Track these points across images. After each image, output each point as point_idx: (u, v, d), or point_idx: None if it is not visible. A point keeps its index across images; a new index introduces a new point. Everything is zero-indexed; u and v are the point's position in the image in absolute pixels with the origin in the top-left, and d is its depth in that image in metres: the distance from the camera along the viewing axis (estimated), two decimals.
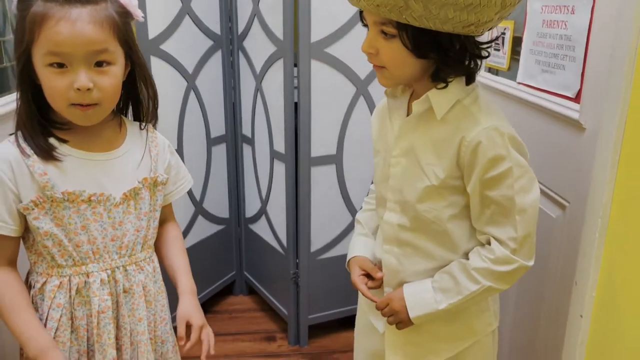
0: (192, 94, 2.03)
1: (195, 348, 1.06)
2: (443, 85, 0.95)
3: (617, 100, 0.92)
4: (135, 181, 1.04)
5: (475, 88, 0.99)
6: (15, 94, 0.98)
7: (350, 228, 2.04)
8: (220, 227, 2.29)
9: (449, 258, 1.03)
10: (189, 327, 1.06)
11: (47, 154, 0.96)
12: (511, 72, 1.50)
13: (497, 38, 1.19)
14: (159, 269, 1.14)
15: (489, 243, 0.99)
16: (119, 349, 1.05)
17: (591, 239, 0.99)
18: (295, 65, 1.86)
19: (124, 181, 1.03)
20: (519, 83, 1.42)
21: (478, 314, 1.07)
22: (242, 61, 2.14)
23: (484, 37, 0.96)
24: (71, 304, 1.00)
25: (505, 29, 1.50)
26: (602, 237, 0.97)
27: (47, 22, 0.88)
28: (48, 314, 1.00)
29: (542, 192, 1.10)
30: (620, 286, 0.95)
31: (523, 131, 1.04)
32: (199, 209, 2.15)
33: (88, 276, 1.00)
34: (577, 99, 1.18)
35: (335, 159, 1.96)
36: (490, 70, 1.63)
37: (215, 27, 2.09)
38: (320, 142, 1.92)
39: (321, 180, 1.96)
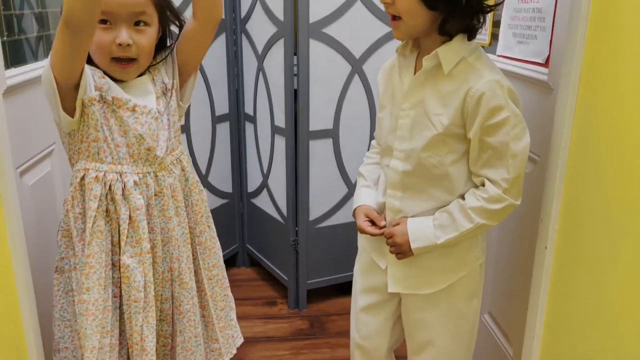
0: (198, 75, 2.15)
1: None
2: (448, 39, 1.08)
3: (572, 59, 1.06)
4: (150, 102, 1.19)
5: (478, 48, 1.13)
6: (30, 65, 1.11)
7: (346, 198, 2.19)
8: (224, 201, 2.43)
9: (447, 199, 1.18)
10: None
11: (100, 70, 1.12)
12: (492, 47, 1.64)
13: (500, 2, 1.32)
14: (189, 168, 1.26)
15: (483, 185, 1.14)
16: (151, 247, 1.17)
17: (553, 179, 1.13)
18: (295, 54, 2.00)
19: (150, 101, 1.18)
20: (499, 55, 1.57)
21: (469, 250, 1.22)
22: (245, 43, 2.29)
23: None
24: (106, 198, 1.13)
25: None
26: (562, 177, 1.11)
27: None
28: (87, 204, 1.12)
29: None
30: (579, 220, 1.08)
31: None
32: (205, 183, 2.29)
33: (121, 176, 1.14)
34: (546, 64, 1.33)
35: (332, 133, 2.10)
36: None
37: None
38: (318, 117, 2.06)
39: (319, 153, 2.11)
